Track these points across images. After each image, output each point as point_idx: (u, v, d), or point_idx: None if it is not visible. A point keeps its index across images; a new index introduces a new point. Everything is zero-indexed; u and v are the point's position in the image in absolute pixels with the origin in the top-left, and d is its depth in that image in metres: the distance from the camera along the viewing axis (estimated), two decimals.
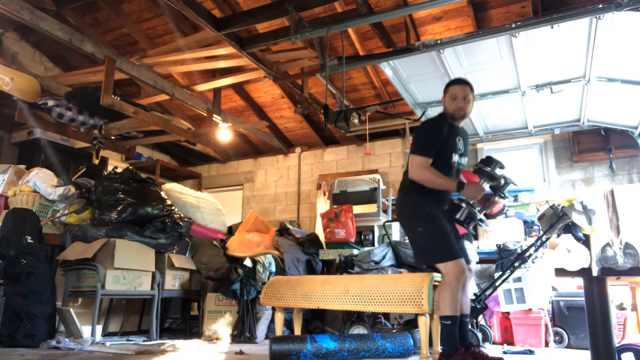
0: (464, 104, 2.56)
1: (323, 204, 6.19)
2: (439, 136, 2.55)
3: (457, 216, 2.53)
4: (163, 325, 4.56)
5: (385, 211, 5.19)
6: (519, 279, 3.76)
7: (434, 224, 2.49)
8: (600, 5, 2.97)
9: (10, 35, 5.31)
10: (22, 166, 4.62)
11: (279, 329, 2.98)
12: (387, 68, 3.91)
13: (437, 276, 2.49)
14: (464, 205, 2.52)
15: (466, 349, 2.41)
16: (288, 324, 3.87)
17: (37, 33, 4.52)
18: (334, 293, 2.66)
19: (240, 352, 3.15)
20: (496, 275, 3.42)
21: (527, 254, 3.24)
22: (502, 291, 3.79)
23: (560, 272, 2.39)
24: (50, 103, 4.54)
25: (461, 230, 3.54)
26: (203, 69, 5.06)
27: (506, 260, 3.94)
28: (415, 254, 2.47)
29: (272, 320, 3.88)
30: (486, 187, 2.55)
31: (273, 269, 4.02)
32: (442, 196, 2.59)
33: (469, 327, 3.09)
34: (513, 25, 3.25)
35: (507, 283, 3.69)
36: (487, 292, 3.24)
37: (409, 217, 2.58)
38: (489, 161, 2.57)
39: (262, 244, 4.31)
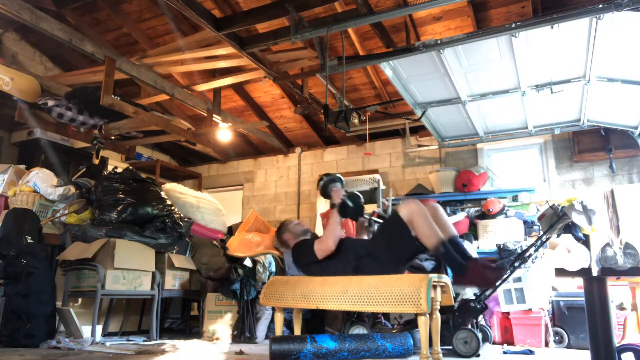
0: None
1: (323, 204, 6.19)
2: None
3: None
4: (163, 325, 4.55)
5: (385, 211, 5.19)
6: (519, 279, 3.76)
7: (362, 242, 2.91)
8: (600, 5, 2.97)
9: (10, 35, 5.31)
10: (22, 166, 4.62)
11: (279, 329, 2.98)
12: (387, 68, 3.91)
13: (434, 277, 2.51)
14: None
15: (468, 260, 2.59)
16: (288, 324, 3.87)
17: (37, 33, 4.52)
18: (333, 293, 2.66)
19: (240, 352, 3.15)
20: None
21: (527, 254, 3.24)
22: (502, 291, 3.79)
23: (560, 272, 2.39)
24: (50, 103, 4.54)
25: (462, 229, 3.48)
26: (203, 69, 5.06)
27: (506, 260, 3.93)
28: (401, 252, 2.67)
29: (272, 320, 3.87)
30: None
31: (273, 269, 4.02)
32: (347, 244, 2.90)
33: (469, 325, 3.11)
34: (513, 25, 3.25)
35: (507, 283, 3.69)
36: (487, 292, 3.24)
37: (379, 266, 2.73)
38: (327, 175, 3.09)
39: (262, 244, 4.31)
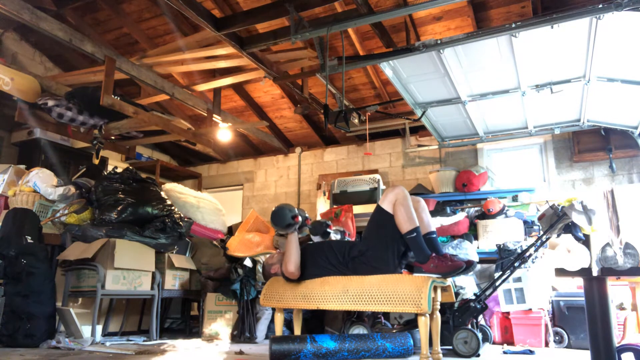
0: None
1: (323, 204, 6.19)
2: None
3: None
4: (163, 325, 4.56)
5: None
6: (519, 279, 3.76)
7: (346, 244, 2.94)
8: (600, 5, 2.97)
9: (10, 35, 5.31)
10: (22, 166, 4.62)
11: (279, 329, 2.98)
12: (387, 68, 3.91)
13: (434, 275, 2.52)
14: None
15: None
16: (288, 324, 3.87)
17: (37, 33, 4.52)
18: (333, 293, 2.66)
19: (240, 352, 3.15)
20: (496, 275, 3.42)
21: (527, 254, 3.24)
22: (502, 291, 3.79)
23: (560, 272, 2.39)
24: (50, 103, 4.54)
25: (462, 229, 3.44)
26: (203, 69, 5.06)
27: (506, 260, 3.93)
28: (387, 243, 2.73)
29: (272, 320, 3.88)
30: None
31: None
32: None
33: (469, 325, 3.11)
34: (513, 25, 3.25)
35: (507, 283, 3.69)
36: (487, 292, 3.24)
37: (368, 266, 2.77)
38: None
39: (262, 244, 4.30)
